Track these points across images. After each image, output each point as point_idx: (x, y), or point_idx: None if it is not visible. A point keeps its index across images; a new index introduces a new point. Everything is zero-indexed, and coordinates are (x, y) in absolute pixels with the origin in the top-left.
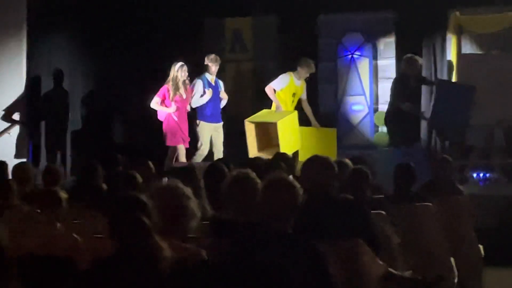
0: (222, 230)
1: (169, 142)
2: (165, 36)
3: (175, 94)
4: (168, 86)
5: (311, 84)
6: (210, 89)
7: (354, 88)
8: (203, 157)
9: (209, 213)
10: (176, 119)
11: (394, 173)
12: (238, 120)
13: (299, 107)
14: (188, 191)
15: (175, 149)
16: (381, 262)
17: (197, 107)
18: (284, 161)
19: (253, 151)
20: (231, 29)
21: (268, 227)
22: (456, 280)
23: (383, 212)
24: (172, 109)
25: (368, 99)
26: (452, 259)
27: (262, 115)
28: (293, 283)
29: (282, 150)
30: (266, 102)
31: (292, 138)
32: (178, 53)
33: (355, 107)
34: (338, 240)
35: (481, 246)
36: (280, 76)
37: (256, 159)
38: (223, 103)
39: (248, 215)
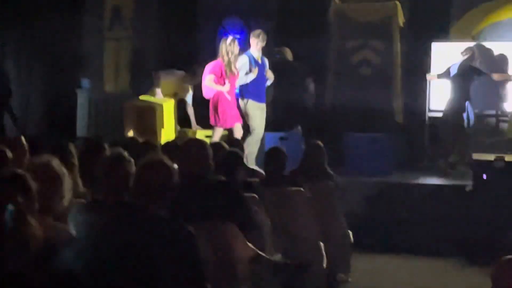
0: (94, 208)
1: (224, 123)
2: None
3: (230, 71)
4: (222, 61)
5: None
6: (256, 67)
7: None
8: (259, 139)
9: (82, 191)
10: (229, 98)
11: (265, 157)
12: (117, 99)
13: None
14: (61, 168)
15: (220, 130)
16: (251, 245)
17: (240, 85)
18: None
19: (129, 132)
20: (110, 6)
21: (141, 208)
22: (324, 265)
23: (255, 195)
24: (226, 87)
25: None
26: (321, 244)
27: (142, 99)
28: (162, 265)
29: (158, 134)
30: (145, 81)
31: (168, 124)
32: (55, 31)
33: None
34: (210, 222)
35: (350, 232)
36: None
37: (133, 139)
38: (268, 83)
39: (122, 195)
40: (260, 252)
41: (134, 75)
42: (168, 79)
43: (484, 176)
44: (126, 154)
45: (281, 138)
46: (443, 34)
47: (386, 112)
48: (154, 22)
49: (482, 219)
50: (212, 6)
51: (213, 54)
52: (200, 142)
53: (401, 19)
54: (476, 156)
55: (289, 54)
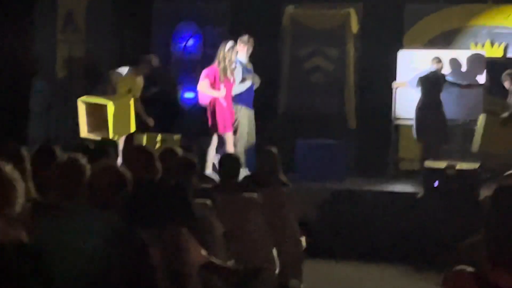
0: (46, 213)
1: (220, 130)
2: None
3: (225, 76)
4: (217, 67)
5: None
6: (250, 74)
7: (186, 75)
8: (245, 145)
9: (34, 196)
10: (225, 104)
11: (219, 163)
12: (72, 102)
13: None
14: (14, 172)
15: (218, 137)
16: (203, 252)
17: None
18: (110, 146)
19: (84, 131)
20: (63, 9)
21: (93, 213)
22: (277, 271)
23: (208, 201)
24: (222, 93)
25: None
26: (274, 250)
27: (96, 97)
28: (113, 271)
29: (111, 133)
30: (98, 84)
31: (124, 122)
32: (7, 34)
33: (187, 95)
34: (162, 228)
35: (303, 238)
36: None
37: (88, 143)
38: (254, 87)
39: (74, 200)
40: (212, 258)
41: (87, 78)
42: (120, 76)
43: (435, 184)
44: (79, 159)
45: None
46: (396, 42)
47: (339, 118)
48: (108, 26)
49: (432, 227)
50: (166, 11)
51: (167, 58)
52: (144, 149)
53: (354, 27)
54: (428, 163)
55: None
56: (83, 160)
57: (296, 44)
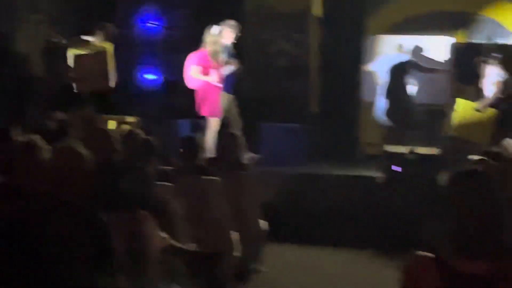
0: (5, 196)
1: (209, 114)
2: None
3: (215, 61)
4: (207, 51)
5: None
6: (233, 59)
7: (147, 56)
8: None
9: None
10: (215, 89)
11: (180, 145)
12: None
13: None
14: None
15: (216, 120)
16: (164, 234)
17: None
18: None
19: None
20: None
21: (53, 196)
22: (237, 255)
23: (169, 184)
24: (213, 77)
25: (161, 68)
26: (235, 234)
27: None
28: (73, 253)
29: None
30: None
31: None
32: None
33: (147, 76)
34: (122, 210)
35: (264, 222)
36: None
37: (49, 124)
38: (237, 72)
39: (33, 182)
40: (173, 241)
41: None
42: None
43: (396, 168)
44: (38, 140)
45: (196, 126)
46: (360, 26)
47: (303, 102)
48: (70, 6)
49: (393, 211)
50: None
51: (130, 41)
52: (106, 131)
53: (318, 10)
54: (388, 148)
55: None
56: (41, 141)
57: (260, 28)
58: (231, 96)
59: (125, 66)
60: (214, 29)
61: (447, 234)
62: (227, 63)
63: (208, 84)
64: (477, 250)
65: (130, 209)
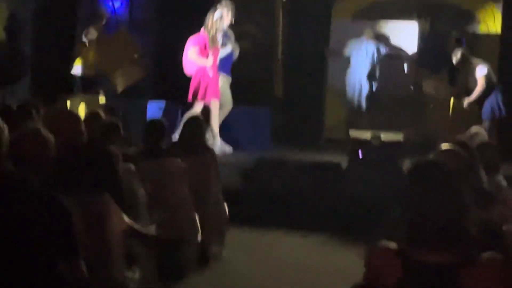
0: None
1: (206, 98)
2: None
3: (213, 45)
4: (206, 34)
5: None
6: (230, 40)
7: None
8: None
9: None
10: (212, 72)
11: (144, 127)
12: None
13: None
14: None
15: (201, 105)
16: (126, 218)
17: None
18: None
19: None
20: None
21: (14, 179)
22: (199, 238)
23: (132, 166)
24: (209, 61)
25: None
26: (196, 216)
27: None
28: (34, 237)
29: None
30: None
31: None
32: None
33: None
34: (84, 193)
35: (225, 205)
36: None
37: (7, 108)
38: (235, 54)
39: None
40: (135, 225)
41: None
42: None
43: (360, 154)
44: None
45: (161, 108)
46: (326, 11)
47: (266, 86)
48: None
49: (356, 197)
50: None
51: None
52: (70, 113)
53: None
54: (353, 133)
55: None
56: (1, 123)
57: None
58: (229, 78)
59: None
60: (217, 13)
61: (407, 224)
62: (224, 45)
63: (204, 70)
64: (437, 240)
65: (92, 192)
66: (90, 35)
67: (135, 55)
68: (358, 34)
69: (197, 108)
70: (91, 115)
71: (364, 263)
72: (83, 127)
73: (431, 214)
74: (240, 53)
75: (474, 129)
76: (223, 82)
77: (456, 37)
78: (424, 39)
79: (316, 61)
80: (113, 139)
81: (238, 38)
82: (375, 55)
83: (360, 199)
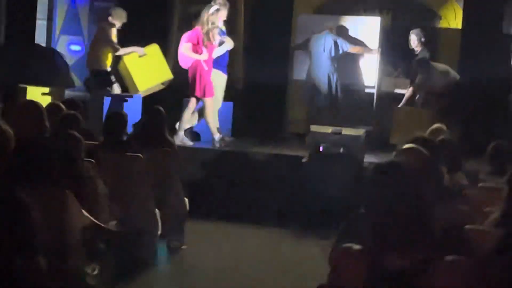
0: None
1: (201, 94)
2: None
3: (208, 40)
4: (201, 30)
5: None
6: (227, 37)
7: (72, 27)
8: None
9: None
10: (206, 68)
11: (104, 121)
12: None
13: None
14: None
15: (195, 101)
16: (85, 213)
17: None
18: None
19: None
20: None
21: None
22: (159, 232)
23: (91, 160)
24: (204, 56)
25: (86, 40)
26: (157, 211)
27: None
28: None
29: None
30: None
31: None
32: None
33: (72, 47)
34: (43, 188)
35: (186, 199)
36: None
37: None
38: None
39: None
40: (95, 220)
41: None
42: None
43: (320, 148)
44: None
45: (124, 101)
46: (288, 5)
47: (228, 79)
48: None
49: (316, 191)
50: None
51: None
52: (34, 104)
53: None
54: (314, 128)
55: None
56: None
57: (185, 3)
58: (224, 75)
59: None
60: (213, 8)
61: (371, 226)
62: (220, 42)
63: (199, 63)
64: (399, 241)
65: (51, 185)
66: None
67: None
68: (320, 29)
69: (192, 104)
70: (52, 107)
71: (328, 263)
72: (46, 119)
73: (393, 215)
74: None
75: (436, 126)
76: (219, 79)
77: (419, 36)
78: (386, 35)
79: (279, 55)
80: (73, 131)
81: None
82: (336, 50)
83: (320, 192)
